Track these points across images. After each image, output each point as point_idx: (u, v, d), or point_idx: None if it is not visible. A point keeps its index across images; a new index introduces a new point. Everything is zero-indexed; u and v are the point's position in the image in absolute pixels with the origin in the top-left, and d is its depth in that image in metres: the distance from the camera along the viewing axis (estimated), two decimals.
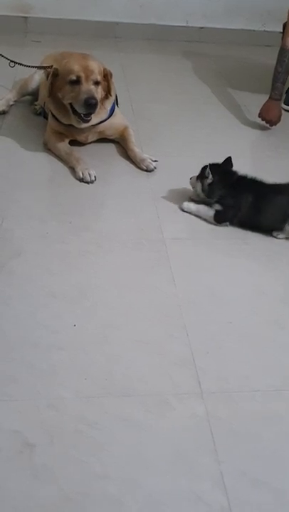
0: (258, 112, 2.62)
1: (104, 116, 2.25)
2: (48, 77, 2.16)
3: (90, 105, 2.07)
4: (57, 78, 2.13)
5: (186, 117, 2.73)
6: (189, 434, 1.23)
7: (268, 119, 2.60)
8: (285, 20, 2.63)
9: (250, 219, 1.90)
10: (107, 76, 2.19)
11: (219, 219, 1.92)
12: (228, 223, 1.93)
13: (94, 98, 2.07)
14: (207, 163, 1.95)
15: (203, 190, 1.96)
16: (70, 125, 2.22)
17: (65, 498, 1.09)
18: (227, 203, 1.91)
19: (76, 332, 1.45)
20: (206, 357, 1.41)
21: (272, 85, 2.56)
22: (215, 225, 1.93)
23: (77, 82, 2.09)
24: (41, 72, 2.45)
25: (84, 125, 2.19)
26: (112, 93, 2.26)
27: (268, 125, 2.63)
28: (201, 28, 3.79)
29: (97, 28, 3.66)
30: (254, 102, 2.71)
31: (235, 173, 1.97)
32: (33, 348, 1.39)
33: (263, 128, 2.67)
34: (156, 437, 1.21)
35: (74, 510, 1.07)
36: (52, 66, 2.22)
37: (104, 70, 2.18)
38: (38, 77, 2.54)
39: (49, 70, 2.20)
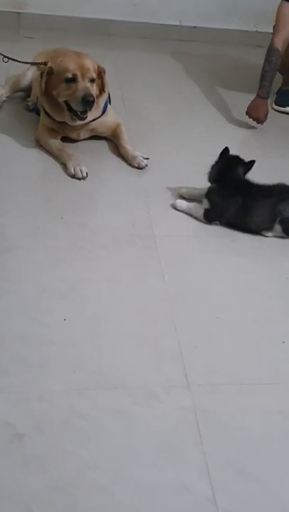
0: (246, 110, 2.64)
1: (98, 114, 2.27)
2: (42, 74, 2.17)
3: (88, 102, 2.09)
4: (51, 76, 2.15)
5: (178, 116, 2.76)
6: (176, 426, 1.26)
7: (255, 116, 2.63)
8: None
9: (239, 220, 1.93)
10: (100, 73, 2.21)
11: (208, 217, 1.95)
12: (218, 222, 1.96)
13: (91, 95, 2.10)
14: (226, 147, 1.94)
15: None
16: (63, 122, 2.24)
17: (55, 487, 1.11)
18: (215, 201, 1.94)
19: (67, 326, 1.47)
20: (193, 351, 1.45)
21: (259, 84, 2.60)
22: (205, 223, 1.96)
23: (73, 80, 2.11)
24: (34, 68, 2.46)
25: (79, 123, 2.21)
26: (106, 90, 2.28)
27: (255, 123, 2.66)
28: (194, 27, 3.82)
29: (91, 26, 3.67)
30: (245, 102, 2.74)
31: (239, 176, 1.94)
32: (24, 341, 1.41)
33: (252, 127, 2.70)
34: (144, 429, 1.24)
35: (64, 500, 1.10)
36: (46, 62, 2.24)
37: (99, 67, 2.20)
38: (30, 74, 2.55)
39: (43, 66, 2.21)
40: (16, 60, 2.41)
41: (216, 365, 1.42)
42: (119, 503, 1.10)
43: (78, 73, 2.10)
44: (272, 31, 2.69)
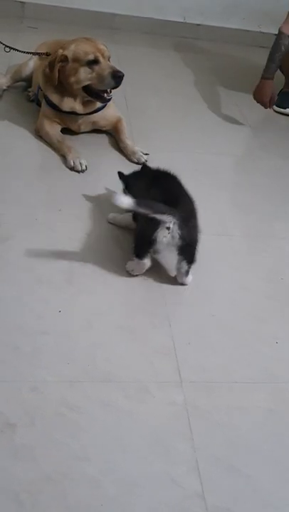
0: (252, 97, 2.61)
1: (100, 105, 2.26)
2: (52, 63, 2.14)
3: (120, 77, 2.10)
4: (65, 64, 2.13)
5: (179, 113, 2.76)
6: (167, 421, 1.26)
7: (259, 99, 2.59)
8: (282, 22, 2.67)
9: None
10: None
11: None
12: None
13: (120, 71, 2.11)
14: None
15: None
16: (65, 113, 2.23)
17: (44, 477, 1.12)
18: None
19: (61, 317, 1.48)
20: (187, 347, 1.45)
21: (265, 65, 2.56)
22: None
23: (95, 61, 2.11)
24: (36, 58, 2.45)
25: (97, 105, 2.22)
26: None
27: (262, 107, 2.60)
28: (198, 25, 3.81)
29: (95, 18, 3.65)
30: (246, 102, 2.74)
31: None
32: (18, 331, 1.41)
33: (253, 128, 2.70)
34: (135, 422, 1.25)
35: (53, 489, 1.10)
36: (48, 53, 2.22)
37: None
38: (32, 64, 2.53)
39: (54, 54, 2.18)
40: (18, 50, 2.40)
41: (209, 363, 1.42)
42: (108, 495, 1.11)
43: (99, 54, 2.12)
44: (276, 33, 2.68)
